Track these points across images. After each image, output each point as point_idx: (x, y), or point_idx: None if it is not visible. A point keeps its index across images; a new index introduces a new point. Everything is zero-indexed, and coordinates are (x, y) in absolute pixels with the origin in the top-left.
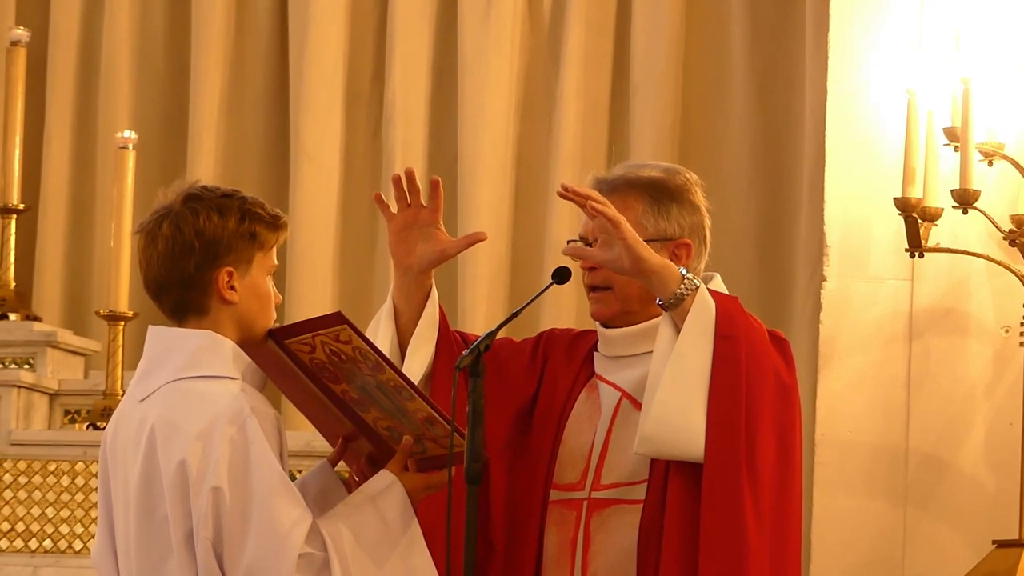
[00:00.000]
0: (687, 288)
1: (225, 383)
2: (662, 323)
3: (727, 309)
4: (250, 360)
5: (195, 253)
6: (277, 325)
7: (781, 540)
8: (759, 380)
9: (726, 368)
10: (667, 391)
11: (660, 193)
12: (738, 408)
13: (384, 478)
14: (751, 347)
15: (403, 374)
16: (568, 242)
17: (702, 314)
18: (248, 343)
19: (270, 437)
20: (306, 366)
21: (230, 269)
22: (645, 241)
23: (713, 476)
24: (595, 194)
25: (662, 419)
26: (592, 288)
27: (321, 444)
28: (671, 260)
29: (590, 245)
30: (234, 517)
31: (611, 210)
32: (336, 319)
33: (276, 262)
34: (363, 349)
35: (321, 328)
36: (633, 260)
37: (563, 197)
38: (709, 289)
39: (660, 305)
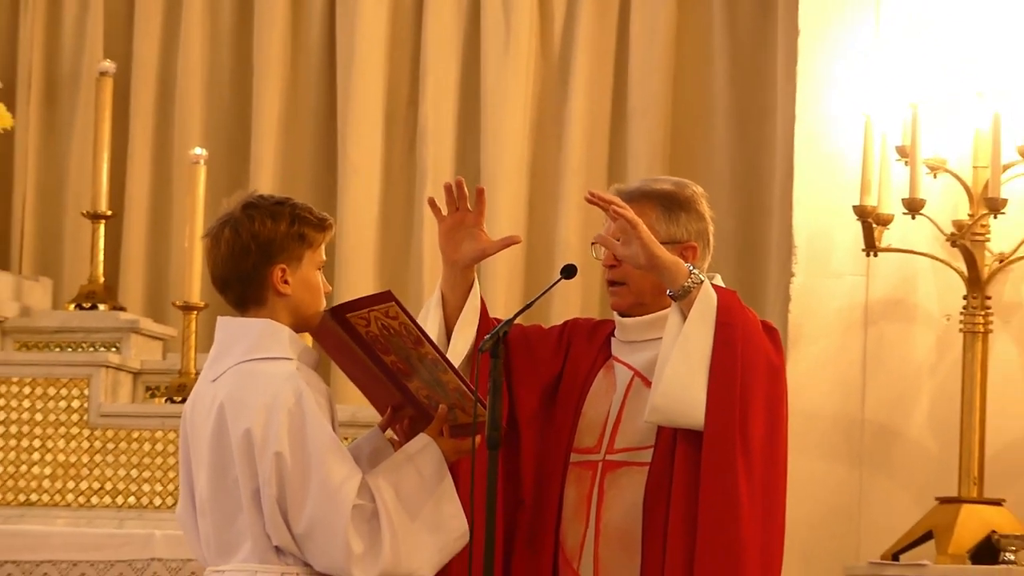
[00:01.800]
0: (693, 282)
1: (283, 363)
2: (671, 311)
3: (727, 301)
4: (305, 344)
5: (252, 253)
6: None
7: (769, 497)
8: (752, 362)
9: (725, 351)
10: (674, 369)
11: (671, 203)
12: (734, 385)
13: (422, 440)
14: (746, 334)
15: (439, 349)
16: (595, 239)
17: (705, 304)
18: (302, 328)
19: (322, 408)
20: (362, 338)
21: (283, 266)
22: (659, 242)
23: (711, 441)
24: (617, 200)
25: (669, 392)
26: (611, 283)
27: (364, 415)
28: (684, 259)
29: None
30: (295, 477)
31: (630, 213)
32: (386, 297)
33: (324, 258)
34: (408, 324)
35: (375, 304)
36: (648, 256)
37: (590, 202)
38: (712, 284)
39: (670, 295)
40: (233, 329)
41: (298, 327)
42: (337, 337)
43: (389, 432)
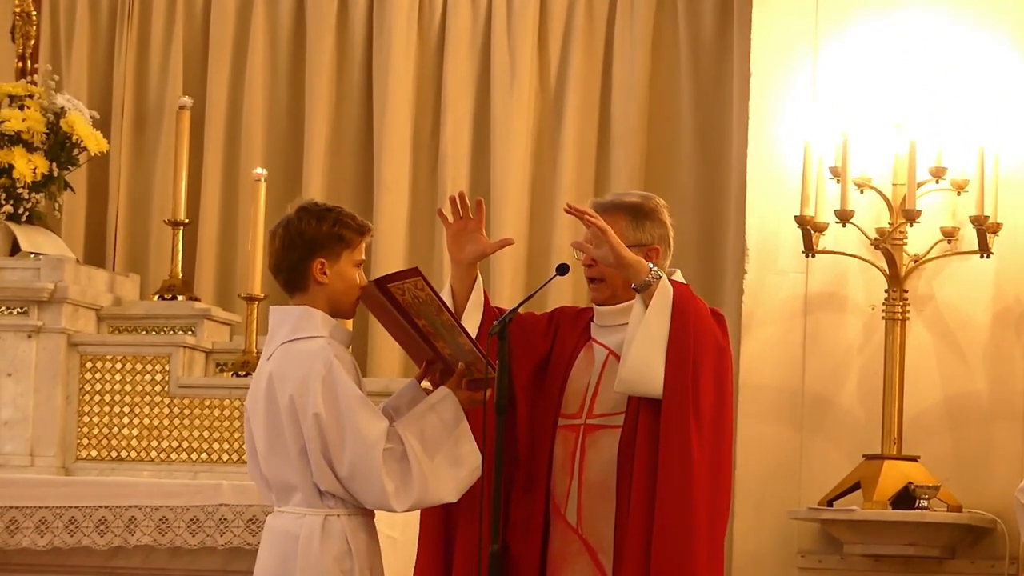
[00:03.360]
0: (653, 277)
1: (316, 340)
2: (636, 301)
3: (681, 292)
4: (338, 324)
5: (297, 248)
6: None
7: (716, 453)
8: (703, 342)
9: (679, 333)
10: (638, 349)
11: (637, 213)
12: (687, 361)
13: (442, 391)
14: (698, 320)
15: (456, 317)
16: (573, 243)
17: (663, 295)
18: (338, 314)
19: (349, 373)
20: (400, 304)
21: (322, 260)
22: (627, 246)
23: (668, 407)
24: (591, 211)
25: (634, 368)
26: (591, 280)
27: (396, 386)
28: (648, 259)
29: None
30: (332, 431)
31: (600, 221)
32: (415, 272)
33: (363, 257)
34: (431, 296)
35: (407, 278)
36: (616, 256)
37: (568, 213)
38: (670, 279)
39: (633, 288)
40: (279, 316)
41: (335, 313)
42: (381, 303)
43: (425, 383)
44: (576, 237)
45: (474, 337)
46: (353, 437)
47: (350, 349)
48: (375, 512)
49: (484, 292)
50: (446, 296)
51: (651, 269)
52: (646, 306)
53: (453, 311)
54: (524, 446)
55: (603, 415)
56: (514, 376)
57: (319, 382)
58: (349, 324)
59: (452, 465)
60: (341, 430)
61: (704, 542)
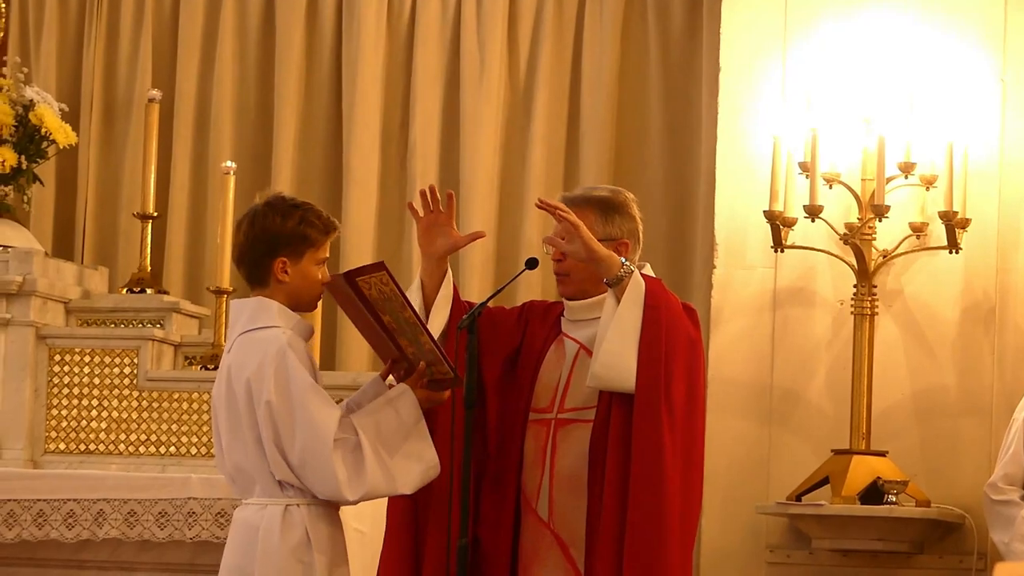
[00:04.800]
0: (625, 272)
1: (271, 330)
2: (608, 296)
3: (653, 287)
4: (299, 318)
5: (260, 244)
6: (348, 269)
7: (688, 447)
8: (674, 336)
9: (651, 328)
10: (610, 344)
11: (607, 207)
12: (659, 355)
13: (400, 388)
14: (669, 313)
15: (418, 315)
16: (544, 239)
17: (635, 290)
18: (300, 309)
19: (303, 362)
20: (366, 299)
21: (284, 259)
22: (597, 240)
23: (641, 402)
24: (562, 206)
25: (607, 363)
26: (558, 274)
27: (364, 380)
28: (618, 253)
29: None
30: (283, 418)
31: (572, 216)
32: (380, 267)
33: (327, 254)
34: (395, 292)
35: (373, 272)
36: (587, 251)
37: (540, 208)
38: (641, 273)
39: (606, 283)
40: (238, 308)
41: (295, 307)
42: (349, 296)
43: (390, 379)
44: (546, 231)
45: (442, 332)
46: (304, 425)
47: (315, 342)
48: (339, 504)
49: (454, 286)
50: (415, 290)
51: (623, 264)
52: (618, 301)
53: (421, 306)
54: (494, 440)
55: (574, 409)
56: (483, 370)
57: (271, 369)
58: (317, 318)
59: (406, 459)
60: (292, 417)
61: (676, 536)
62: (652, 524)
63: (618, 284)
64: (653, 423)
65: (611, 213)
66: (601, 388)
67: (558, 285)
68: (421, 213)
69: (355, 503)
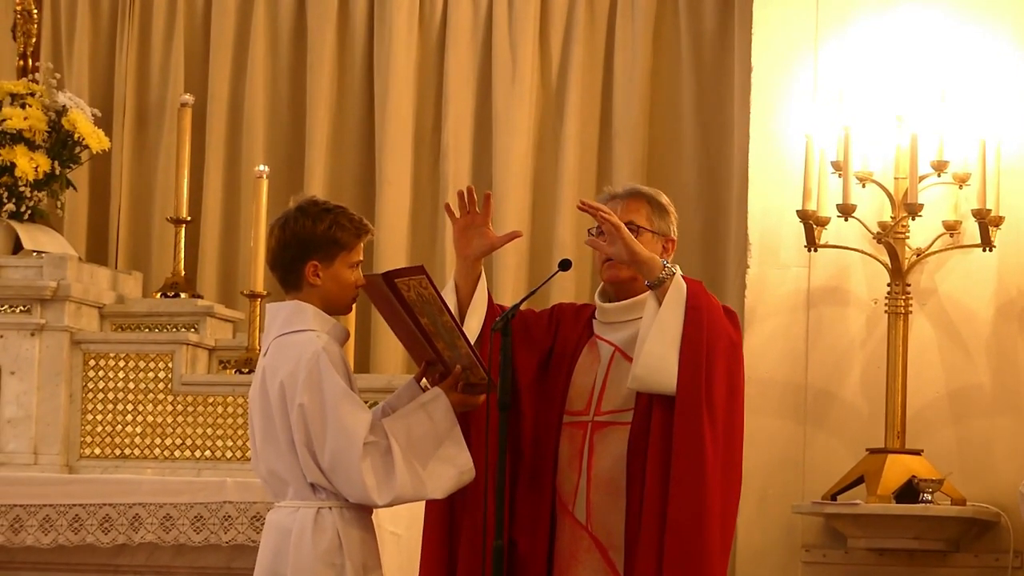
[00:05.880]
0: (667, 274)
1: (306, 334)
2: (648, 298)
3: (695, 289)
4: (334, 321)
5: (292, 248)
6: (388, 270)
7: (729, 449)
8: (715, 339)
9: (693, 330)
10: (651, 346)
11: (657, 203)
12: (700, 358)
13: (434, 391)
14: (711, 317)
15: (456, 320)
16: (588, 231)
17: (677, 293)
18: (333, 312)
19: (336, 367)
20: (404, 301)
21: (315, 263)
22: (649, 233)
23: (682, 404)
24: (604, 208)
25: (648, 365)
26: (607, 258)
27: (398, 383)
28: (663, 251)
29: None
30: (315, 421)
31: (614, 218)
32: (420, 270)
33: (361, 257)
34: (434, 295)
35: (413, 275)
36: (629, 253)
37: (581, 210)
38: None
39: (647, 285)
40: (273, 311)
41: (329, 311)
42: (385, 296)
43: (424, 382)
44: (579, 232)
45: (477, 336)
46: (335, 428)
47: (350, 345)
48: (371, 508)
49: (487, 289)
50: (450, 291)
51: (664, 266)
52: (659, 303)
53: (456, 308)
54: (528, 443)
55: (611, 412)
56: (517, 373)
57: (305, 372)
58: (352, 321)
59: (439, 464)
60: (323, 421)
61: (717, 536)
62: (693, 524)
63: (660, 286)
64: (694, 424)
65: (660, 210)
66: (642, 390)
67: (605, 271)
68: (458, 214)
69: (385, 507)
